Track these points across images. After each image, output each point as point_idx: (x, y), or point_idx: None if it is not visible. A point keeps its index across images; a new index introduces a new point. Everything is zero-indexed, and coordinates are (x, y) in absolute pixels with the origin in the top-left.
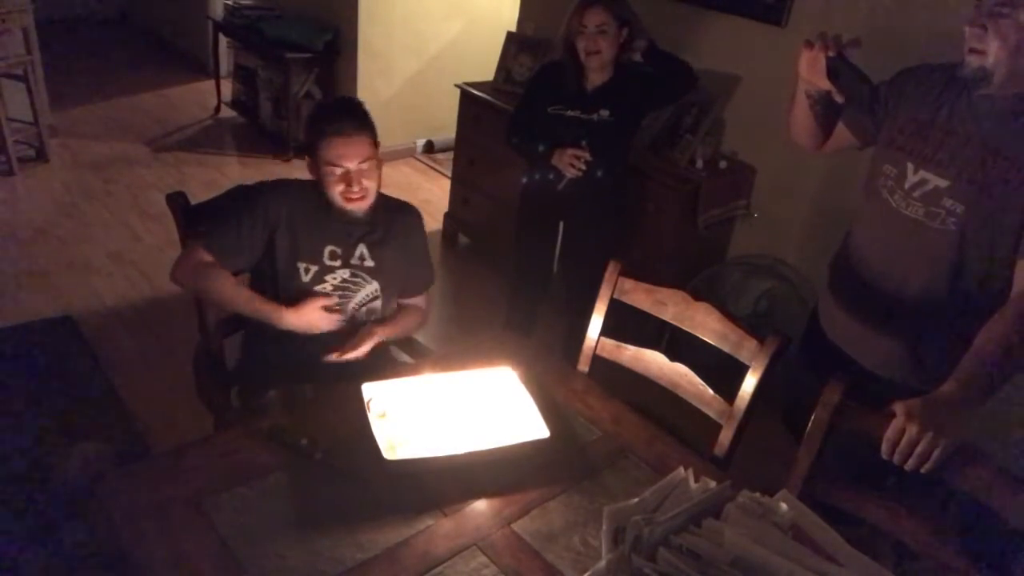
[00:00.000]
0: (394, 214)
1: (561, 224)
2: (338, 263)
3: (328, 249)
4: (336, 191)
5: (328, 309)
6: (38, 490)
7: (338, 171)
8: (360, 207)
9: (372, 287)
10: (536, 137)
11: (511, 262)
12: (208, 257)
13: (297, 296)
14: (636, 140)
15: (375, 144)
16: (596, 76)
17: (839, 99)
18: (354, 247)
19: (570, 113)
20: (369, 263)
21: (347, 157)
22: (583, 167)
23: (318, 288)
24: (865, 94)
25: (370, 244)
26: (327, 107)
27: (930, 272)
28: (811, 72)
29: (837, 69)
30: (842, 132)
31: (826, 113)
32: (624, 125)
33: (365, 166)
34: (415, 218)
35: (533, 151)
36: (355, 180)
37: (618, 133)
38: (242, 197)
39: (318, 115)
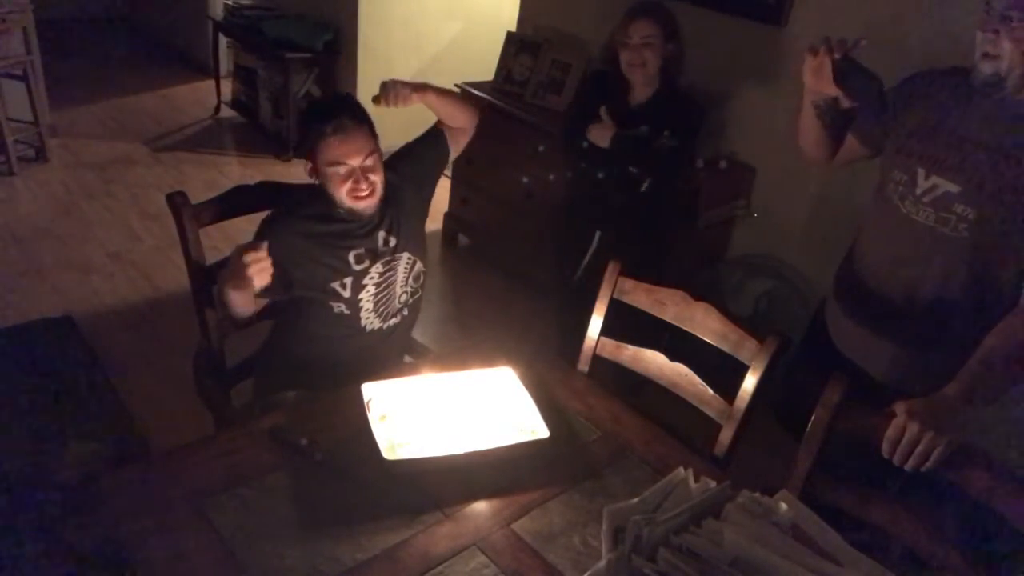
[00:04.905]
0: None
1: (597, 234)
2: (367, 263)
3: (352, 255)
4: (343, 191)
5: (248, 258)
6: (37, 490)
7: (342, 170)
8: (370, 204)
9: (404, 259)
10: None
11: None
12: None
13: (351, 314)
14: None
15: (375, 136)
16: (640, 91)
17: (848, 104)
18: (374, 238)
19: None
20: (392, 242)
21: (350, 155)
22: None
23: (362, 296)
24: (876, 94)
25: (387, 227)
26: (320, 106)
27: (942, 279)
28: (817, 79)
29: (845, 72)
30: (852, 143)
31: (835, 122)
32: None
33: (369, 162)
34: (405, 162)
35: (578, 147)
36: (361, 177)
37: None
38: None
39: (312, 115)
